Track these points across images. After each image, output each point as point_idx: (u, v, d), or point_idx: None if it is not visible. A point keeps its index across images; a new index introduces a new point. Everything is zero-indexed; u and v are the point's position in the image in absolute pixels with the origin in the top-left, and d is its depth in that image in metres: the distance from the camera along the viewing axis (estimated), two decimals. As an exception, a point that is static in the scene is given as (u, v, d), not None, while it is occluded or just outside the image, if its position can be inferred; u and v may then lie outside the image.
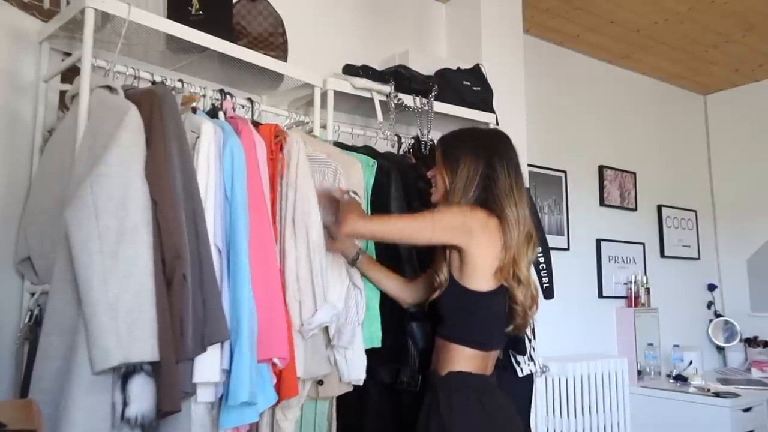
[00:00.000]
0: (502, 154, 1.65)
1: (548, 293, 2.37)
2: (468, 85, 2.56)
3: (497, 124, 2.62)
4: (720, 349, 4.26)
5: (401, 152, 2.28)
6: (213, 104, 1.81)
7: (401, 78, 2.32)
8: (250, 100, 1.95)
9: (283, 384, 1.60)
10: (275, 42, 2.13)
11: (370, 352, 1.83)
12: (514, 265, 1.56)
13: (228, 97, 1.86)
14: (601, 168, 3.86)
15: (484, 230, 1.55)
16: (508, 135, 1.74)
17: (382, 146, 2.23)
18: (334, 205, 1.77)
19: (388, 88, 2.25)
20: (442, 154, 1.69)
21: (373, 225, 1.67)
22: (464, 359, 1.56)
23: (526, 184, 2.83)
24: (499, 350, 1.68)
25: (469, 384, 1.55)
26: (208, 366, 1.39)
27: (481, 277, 1.55)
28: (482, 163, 1.61)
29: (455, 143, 1.70)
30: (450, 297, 1.58)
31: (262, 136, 1.72)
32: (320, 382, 1.75)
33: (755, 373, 3.89)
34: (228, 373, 1.44)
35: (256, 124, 1.80)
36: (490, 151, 1.64)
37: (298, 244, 1.68)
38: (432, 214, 1.60)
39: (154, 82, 1.73)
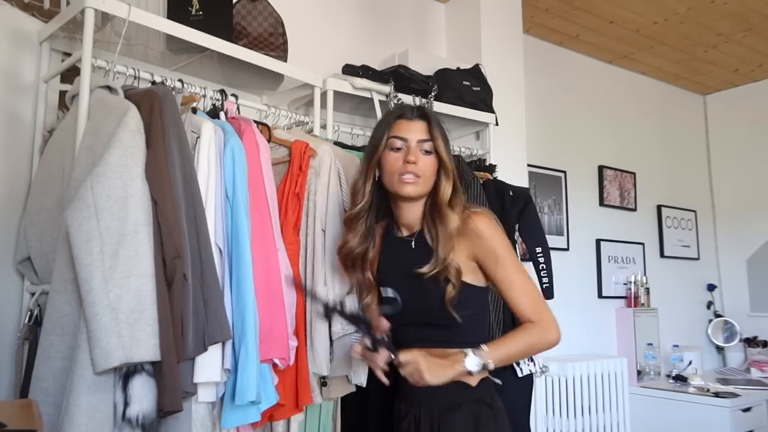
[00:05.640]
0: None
1: (548, 293, 2.37)
2: (468, 85, 2.56)
3: (497, 124, 2.63)
4: (719, 349, 4.26)
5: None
6: (213, 104, 1.81)
7: (401, 78, 2.33)
8: (222, 92, 1.83)
9: (301, 395, 1.64)
10: (275, 42, 2.13)
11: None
12: None
13: (232, 98, 1.85)
14: (600, 168, 3.86)
15: None
16: None
17: (382, 146, 2.22)
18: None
19: (387, 88, 2.26)
20: (443, 140, 1.44)
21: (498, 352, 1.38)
22: None
23: (525, 184, 2.88)
24: None
25: (493, 391, 1.44)
26: (209, 366, 1.40)
27: (475, 271, 1.45)
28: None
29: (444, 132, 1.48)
30: (461, 297, 1.40)
31: (293, 152, 1.74)
32: (324, 384, 1.75)
33: (755, 373, 3.89)
34: (232, 372, 1.45)
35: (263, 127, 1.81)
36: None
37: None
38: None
39: (154, 83, 1.73)
